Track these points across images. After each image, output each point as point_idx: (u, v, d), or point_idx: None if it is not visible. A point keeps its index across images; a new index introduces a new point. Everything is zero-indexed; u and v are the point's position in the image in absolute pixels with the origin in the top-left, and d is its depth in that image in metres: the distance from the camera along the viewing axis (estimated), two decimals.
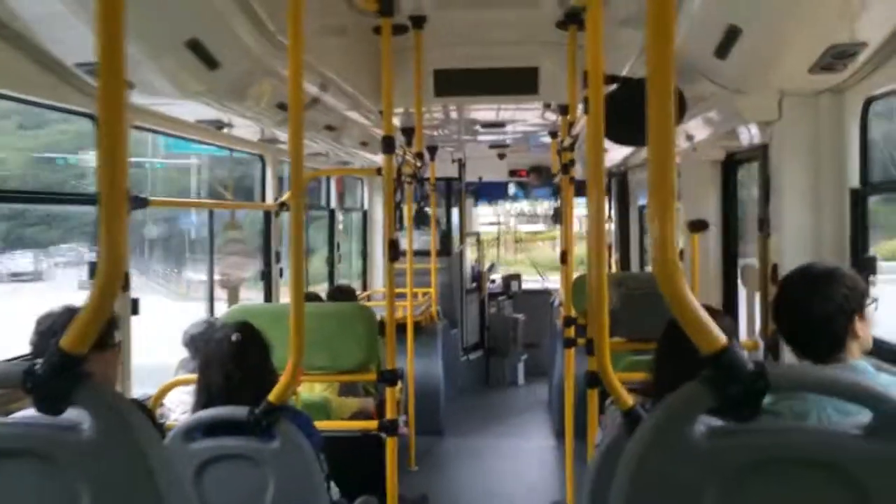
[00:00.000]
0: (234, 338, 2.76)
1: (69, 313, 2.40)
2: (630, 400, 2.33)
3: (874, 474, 1.28)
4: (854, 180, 3.24)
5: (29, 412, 1.74)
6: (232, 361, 2.72)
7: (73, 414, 1.37)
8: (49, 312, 2.45)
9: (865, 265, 3.13)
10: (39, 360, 1.34)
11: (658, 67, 1.25)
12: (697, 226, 4.55)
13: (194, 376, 3.66)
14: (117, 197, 1.36)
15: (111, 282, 1.35)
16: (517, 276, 10.88)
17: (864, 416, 1.33)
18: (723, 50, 2.92)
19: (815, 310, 2.10)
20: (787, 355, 3.37)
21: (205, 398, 2.72)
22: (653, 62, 1.25)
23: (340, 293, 5.51)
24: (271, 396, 2.43)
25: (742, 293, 4.63)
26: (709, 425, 1.33)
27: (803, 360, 2.16)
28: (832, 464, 1.30)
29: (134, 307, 3.69)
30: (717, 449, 1.32)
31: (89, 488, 1.35)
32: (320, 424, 2.97)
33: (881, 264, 3.19)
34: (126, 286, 3.57)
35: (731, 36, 2.80)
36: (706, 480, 1.31)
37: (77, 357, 1.35)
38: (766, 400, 1.79)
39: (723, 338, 1.29)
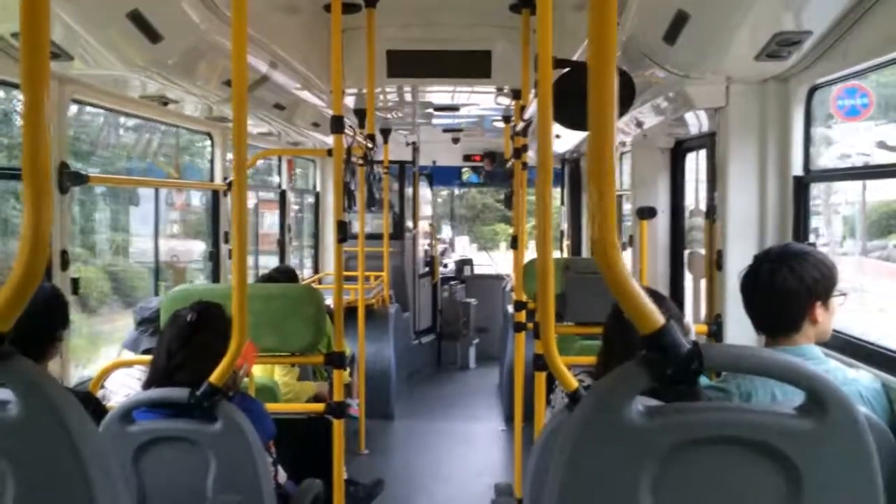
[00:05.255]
0: (189, 318, 2.71)
1: None
2: (574, 382, 2.35)
3: (804, 452, 1.30)
4: (798, 168, 3.29)
5: None
6: (177, 341, 2.66)
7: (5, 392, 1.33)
8: None
9: None
10: None
11: (599, 50, 1.24)
12: (646, 213, 4.59)
13: (136, 358, 3.63)
14: (41, 171, 1.30)
15: (35, 258, 1.30)
16: (469, 261, 10.91)
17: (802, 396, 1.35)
18: (671, 35, 2.93)
19: (779, 283, 2.11)
20: (730, 340, 3.45)
21: (149, 377, 2.68)
22: (594, 44, 1.24)
23: (280, 274, 5.40)
24: (212, 377, 2.39)
25: (689, 279, 4.70)
26: (645, 405, 1.34)
27: (760, 336, 2.18)
28: (764, 442, 1.31)
29: (74, 287, 3.59)
30: (652, 428, 1.32)
31: (13, 468, 1.31)
32: (268, 407, 2.93)
33: None
34: (65, 265, 3.47)
35: (680, 21, 2.82)
36: (643, 459, 1.32)
37: (0, 334, 1.30)
38: (715, 379, 1.80)
39: (660, 318, 1.29)
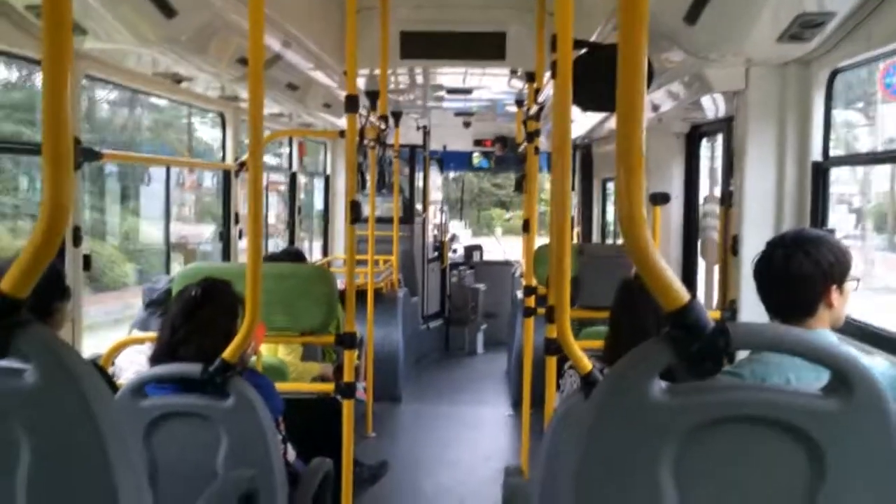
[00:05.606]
0: (193, 293, 2.71)
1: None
2: (589, 364, 2.33)
3: (828, 432, 1.28)
4: (817, 153, 3.26)
5: None
6: (182, 316, 2.66)
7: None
8: None
9: None
10: None
11: (629, 31, 1.22)
12: (659, 199, 4.56)
13: (147, 335, 3.62)
14: (62, 145, 1.29)
15: (53, 230, 1.30)
16: (479, 247, 10.89)
17: (823, 380, 1.33)
18: (693, 15, 2.89)
19: (795, 268, 2.08)
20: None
21: (154, 352, 2.68)
22: (624, 25, 1.22)
23: (288, 256, 5.35)
24: (225, 354, 2.38)
25: (702, 265, 4.67)
26: (668, 384, 1.32)
27: (773, 322, 2.15)
28: (788, 422, 1.29)
29: (86, 263, 3.59)
30: (674, 407, 1.30)
31: (30, 437, 1.30)
32: (278, 386, 2.93)
33: None
34: (77, 241, 3.46)
35: (702, 0, 2.78)
36: (663, 438, 1.30)
37: (17, 300, 1.29)
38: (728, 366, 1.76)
39: (686, 294, 1.27)
